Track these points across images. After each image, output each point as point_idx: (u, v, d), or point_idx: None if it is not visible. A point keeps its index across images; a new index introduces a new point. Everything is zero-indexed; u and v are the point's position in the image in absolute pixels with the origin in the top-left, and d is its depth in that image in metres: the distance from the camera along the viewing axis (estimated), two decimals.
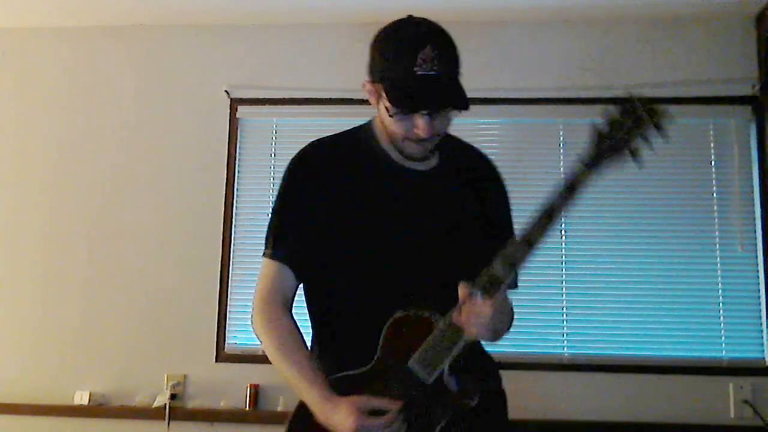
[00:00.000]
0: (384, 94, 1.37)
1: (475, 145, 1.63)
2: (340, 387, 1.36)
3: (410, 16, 1.44)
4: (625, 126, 1.44)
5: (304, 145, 1.57)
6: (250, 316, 1.51)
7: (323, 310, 1.51)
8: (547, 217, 1.30)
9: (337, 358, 1.44)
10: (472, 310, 1.29)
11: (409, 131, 1.40)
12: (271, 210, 1.56)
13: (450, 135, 1.56)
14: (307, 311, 1.54)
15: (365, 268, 1.44)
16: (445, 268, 1.41)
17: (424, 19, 1.44)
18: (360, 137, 1.54)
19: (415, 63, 1.33)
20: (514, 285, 1.46)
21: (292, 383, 1.41)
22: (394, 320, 1.37)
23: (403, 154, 1.46)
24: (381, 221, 1.45)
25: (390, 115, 1.38)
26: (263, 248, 1.52)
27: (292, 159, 1.56)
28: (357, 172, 1.49)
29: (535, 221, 1.30)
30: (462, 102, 1.36)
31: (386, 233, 1.44)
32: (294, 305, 1.51)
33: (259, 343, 1.49)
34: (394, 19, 1.46)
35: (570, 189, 1.31)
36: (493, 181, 1.58)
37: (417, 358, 1.34)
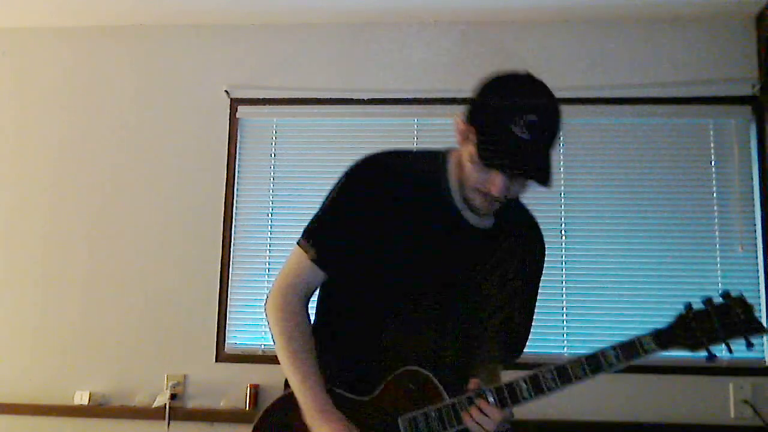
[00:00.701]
0: (473, 139, 1.33)
1: (530, 211, 1.59)
2: (332, 400, 1.38)
3: (529, 74, 1.38)
4: (715, 329, 1.40)
5: (372, 153, 1.52)
6: (265, 298, 1.50)
7: (337, 313, 1.51)
8: (593, 369, 1.39)
9: (331, 360, 1.45)
10: (481, 409, 1.31)
11: (483, 184, 1.35)
12: (323, 202, 1.50)
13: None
14: (316, 302, 1.54)
15: (394, 296, 1.44)
16: (467, 322, 1.44)
17: (542, 84, 1.38)
18: (432, 167, 1.47)
19: (516, 123, 1.28)
20: (516, 354, 1.53)
21: (290, 379, 1.42)
22: (405, 371, 1.37)
23: (467, 202, 1.42)
24: (423, 259, 1.44)
25: (470, 162, 1.34)
26: (300, 235, 1.47)
27: (361, 161, 1.51)
28: (417, 203, 1.45)
29: (578, 364, 1.38)
30: (545, 178, 1.31)
31: (424, 272, 1.44)
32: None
33: (266, 326, 1.49)
34: (514, 72, 1.38)
35: (628, 355, 1.38)
36: (538, 256, 1.55)
37: (408, 419, 1.35)
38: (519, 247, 1.51)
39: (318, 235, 1.46)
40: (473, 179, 1.36)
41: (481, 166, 1.32)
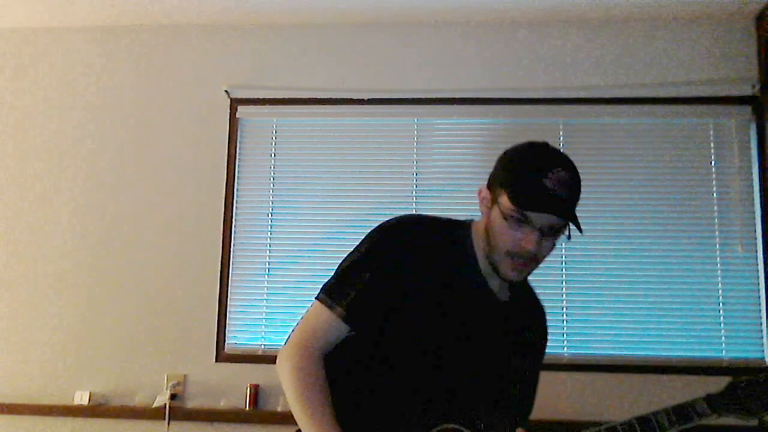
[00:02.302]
0: (504, 196, 1.36)
1: (532, 288, 1.62)
2: None
3: (546, 143, 1.43)
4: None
5: (395, 218, 1.50)
6: (282, 349, 1.47)
7: (362, 372, 1.45)
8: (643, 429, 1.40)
9: (350, 418, 1.40)
10: None
11: (516, 243, 1.36)
12: (345, 260, 1.46)
13: None
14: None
15: (415, 364, 1.41)
16: (488, 394, 1.46)
17: (560, 151, 1.43)
18: (459, 234, 1.49)
19: (545, 176, 1.33)
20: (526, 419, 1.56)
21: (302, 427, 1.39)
22: (445, 428, 1.36)
23: (498, 272, 1.42)
24: (450, 322, 1.43)
25: (505, 218, 1.36)
26: (321, 291, 1.44)
27: (390, 222, 1.48)
28: (445, 267, 1.44)
29: (630, 427, 1.42)
30: (577, 224, 1.36)
31: (447, 341, 1.42)
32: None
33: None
34: (531, 141, 1.45)
35: (681, 420, 1.38)
36: (545, 333, 1.61)
37: None
38: (535, 320, 1.58)
39: (347, 292, 1.41)
40: (506, 240, 1.38)
41: (513, 222, 1.36)
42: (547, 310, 1.62)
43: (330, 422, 1.34)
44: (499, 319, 1.48)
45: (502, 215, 1.36)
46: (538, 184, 1.33)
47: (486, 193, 1.43)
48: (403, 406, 1.40)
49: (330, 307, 1.40)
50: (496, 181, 1.40)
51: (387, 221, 1.48)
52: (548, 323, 1.61)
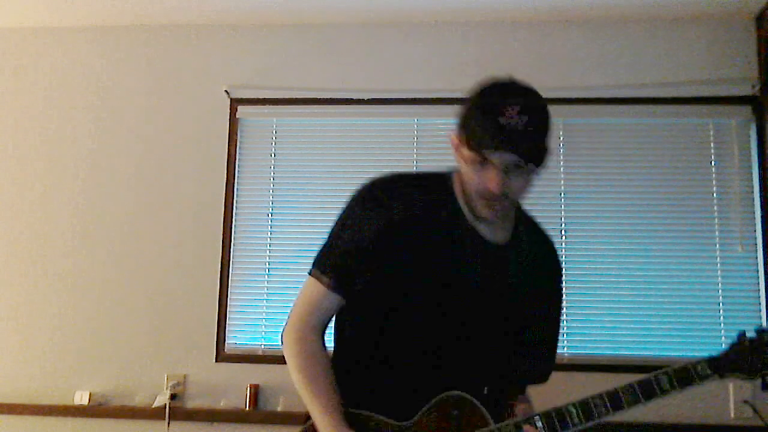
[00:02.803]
0: (463, 138, 1.32)
1: (542, 227, 1.57)
2: (364, 424, 1.35)
3: (511, 78, 1.37)
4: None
5: (377, 176, 1.49)
6: (281, 328, 1.48)
7: (361, 339, 1.47)
8: (646, 395, 1.38)
9: (361, 385, 1.42)
10: None
11: (482, 185, 1.32)
12: (330, 231, 1.48)
13: (524, 213, 1.53)
14: (334, 329, 1.52)
15: (421, 317, 1.41)
16: (493, 347, 1.43)
17: (524, 84, 1.37)
18: (440, 186, 1.46)
19: (501, 114, 1.26)
20: (544, 378, 1.55)
21: (308, 406, 1.39)
22: (448, 396, 1.34)
23: (474, 214, 1.40)
24: (443, 277, 1.41)
25: (467, 161, 1.33)
26: (311, 266, 1.46)
27: (365, 186, 1.48)
28: (429, 221, 1.42)
29: (630, 389, 1.36)
30: (537, 158, 1.30)
31: (445, 290, 1.41)
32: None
33: (281, 348, 1.47)
34: (497, 77, 1.38)
35: (682, 381, 1.35)
36: (556, 272, 1.57)
37: None
38: (543, 258, 1.51)
39: (331, 261, 1.43)
40: (473, 183, 1.34)
41: (476, 165, 1.31)
42: (556, 249, 1.57)
43: (328, 394, 1.37)
44: (495, 263, 1.43)
45: (464, 159, 1.34)
46: (492, 123, 1.26)
47: (455, 138, 1.38)
48: (403, 372, 1.39)
49: (319, 279, 1.43)
50: (458, 125, 1.36)
51: (363, 184, 1.48)
52: (562, 298, 1.56)
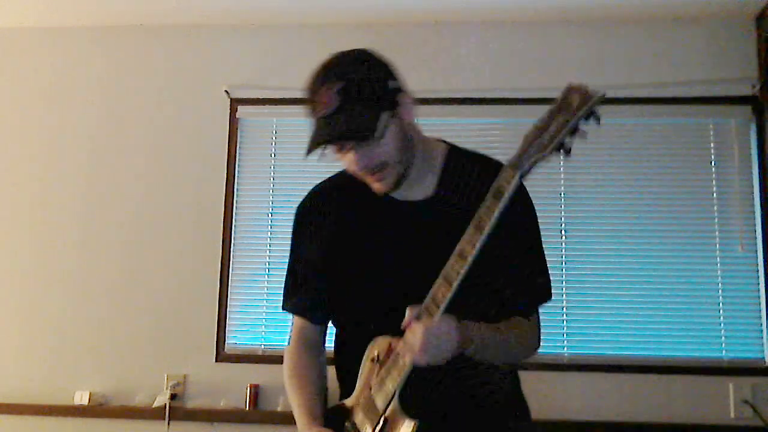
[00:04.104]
0: None
1: (496, 160, 1.45)
2: (334, 416, 1.43)
3: (326, 60, 1.43)
4: (551, 123, 1.30)
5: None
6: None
7: (338, 338, 1.55)
8: (476, 228, 1.20)
9: (342, 380, 1.50)
10: (409, 333, 1.24)
11: (350, 169, 1.39)
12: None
13: (460, 152, 1.48)
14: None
15: (358, 300, 1.46)
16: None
17: (337, 53, 1.43)
18: (344, 177, 1.48)
19: (315, 107, 1.33)
20: (537, 298, 1.44)
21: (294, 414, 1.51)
22: (370, 346, 1.38)
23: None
24: (369, 253, 1.44)
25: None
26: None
27: (297, 207, 1.58)
28: (347, 209, 1.49)
29: (465, 234, 1.21)
30: (352, 135, 1.31)
31: (375, 264, 1.43)
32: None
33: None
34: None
35: (497, 196, 1.20)
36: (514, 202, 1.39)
37: (377, 382, 1.33)
38: (471, 198, 1.35)
39: (286, 290, 1.56)
40: (349, 170, 1.40)
41: (332, 156, 1.39)
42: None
43: (304, 398, 1.48)
44: (412, 221, 1.41)
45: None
46: (313, 120, 1.34)
47: None
48: (360, 352, 1.42)
49: (284, 307, 1.57)
50: None
51: None
52: (547, 256, 1.44)
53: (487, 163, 1.45)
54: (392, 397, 1.29)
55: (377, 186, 1.39)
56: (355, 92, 1.32)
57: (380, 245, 1.43)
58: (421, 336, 1.21)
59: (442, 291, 1.21)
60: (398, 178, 1.37)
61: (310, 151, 1.35)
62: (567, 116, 1.29)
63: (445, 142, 1.52)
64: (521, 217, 1.40)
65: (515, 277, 1.40)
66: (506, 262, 1.37)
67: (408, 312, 1.25)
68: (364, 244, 1.45)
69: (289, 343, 1.58)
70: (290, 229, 1.58)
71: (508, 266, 1.38)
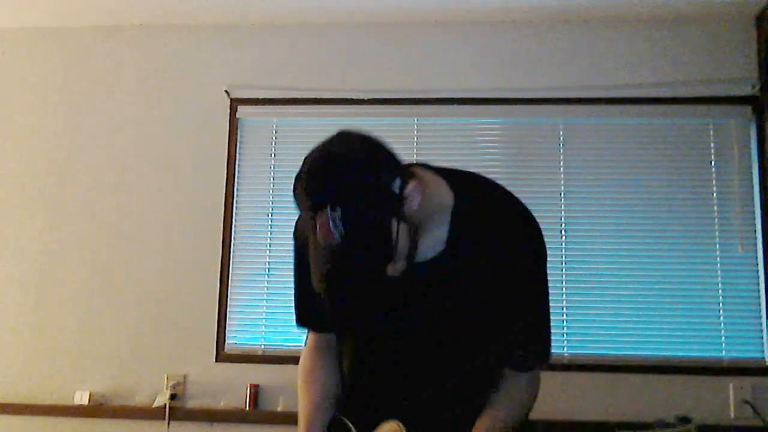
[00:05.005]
0: None
1: (503, 197, 1.38)
2: (338, 428, 1.42)
3: (320, 151, 1.26)
4: None
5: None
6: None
7: (345, 361, 1.51)
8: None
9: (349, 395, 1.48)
10: None
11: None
12: None
13: (466, 198, 1.33)
14: None
15: (361, 347, 1.44)
16: (437, 358, 1.36)
17: (323, 151, 1.25)
18: None
19: (316, 229, 1.17)
20: (536, 360, 1.38)
21: None
22: (396, 424, 1.32)
23: None
24: (367, 306, 1.38)
25: None
26: None
27: (294, 228, 1.52)
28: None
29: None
30: (366, 268, 1.20)
31: (373, 317, 1.38)
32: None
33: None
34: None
35: None
36: (516, 258, 1.32)
37: None
38: (491, 256, 1.31)
39: (295, 307, 1.53)
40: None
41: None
42: (544, 232, 1.35)
43: (309, 407, 1.45)
44: (420, 282, 1.30)
45: None
46: (313, 243, 1.20)
47: None
48: (364, 388, 1.42)
49: (297, 324, 1.53)
50: None
51: None
52: (534, 282, 1.35)
53: (496, 208, 1.36)
54: None
55: (389, 270, 1.25)
56: (358, 213, 1.15)
57: (385, 304, 1.36)
58: None
59: None
60: (408, 262, 1.25)
61: (322, 293, 1.22)
62: None
63: (449, 181, 1.36)
64: (526, 276, 1.34)
65: (519, 337, 1.35)
66: (510, 324, 1.33)
67: None
68: (367, 299, 1.36)
69: (305, 343, 1.56)
70: (290, 229, 1.56)
71: (512, 327, 1.33)
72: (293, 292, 1.53)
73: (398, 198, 1.19)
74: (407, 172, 1.24)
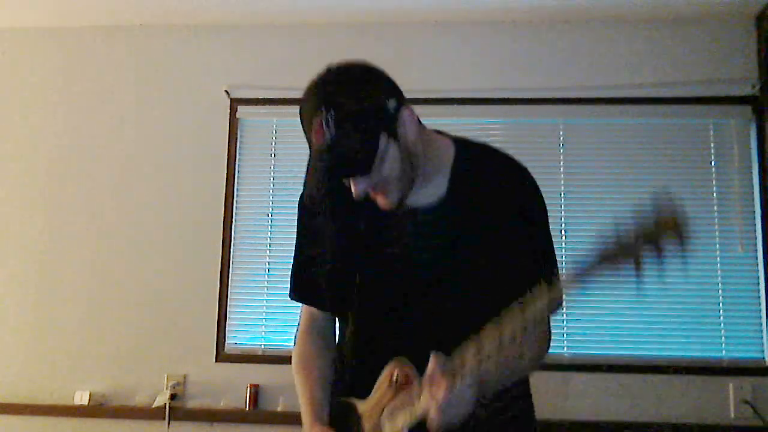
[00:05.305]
0: None
1: (504, 154, 1.44)
2: (341, 409, 1.41)
3: (328, 69, 1.35)
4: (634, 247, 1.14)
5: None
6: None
7: (342, 332, 1.54)
8: (520, 312, 1.20)
9: (345, 379, 1.47)
10: (431, 386, 1.18)
11: (355, 196, 1.31)
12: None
13: (468, 149, 1.42)
14: None
15: (369, 300, 1.43)
16: (441, 302, 1.36)
17: (329, 69, 1.35)
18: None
19: (312, 132, 1.25)
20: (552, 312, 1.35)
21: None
22: (393, 364, 1.33)
23: None
24: (372, 255, 1.41)
25: None
26: None
27: (299, 197, 1.52)
28: (357, 208, 1.40)
29: (509, 316, 1.18)
30: (351, 169, 1.25)
31: (379, 266, 1.41)
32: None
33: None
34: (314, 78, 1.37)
35: (552, 301, 1.23)
36: (518, 204, 1.38)
37: (388, 411, 1.31)
38: (491, 203, 1.35)
39: (292, 279, 1.54)
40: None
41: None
42: (516, 175, 1.40)
43: (310, 390, 1.46)
44: (421, 227, 1.36)
45: None
46: (310, 149, 1.26)
47: None
48: (369, 350, 1.42)
49: (291, 295, 1.55)
50: None
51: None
52: (540, 230, 1.39)
53: (497, 161, 1.42)
54: None
55: (381, 202, 1.34)
56: (348, 121, 1.24)
57: (391, 250, 1.40)
58: (442, 398, 1.17)
59: (473, 360, 1.16)
60: (401, 196, 1.33)
61: (309, 191, 1.30)
62: (653, 241, 1.13)
63: (451, 137, 1.46)
64: (532, 225, 1.38)
65: (527, 273, 1.33)
66: (518, 263, 1.34)
67: (432, 360, 1.19)
68: (374, 247, 1.41)
69: (298, 329, 1.55)
70: (290, 230, 1.57)
71: (520, 265, 1.35)
72: (293, 262, 1.54)
73: (390, 115, 1.27)
74: (405, 101, 1.32)
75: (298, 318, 1.57)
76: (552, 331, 1.45)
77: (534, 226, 1.39)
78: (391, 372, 1.33)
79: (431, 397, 1.18)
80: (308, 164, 1.27)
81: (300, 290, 1.53)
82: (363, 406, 1.38)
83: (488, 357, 1.15)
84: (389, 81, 1.34)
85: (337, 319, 1.55)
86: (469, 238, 1.34)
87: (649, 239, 1.12)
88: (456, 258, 1.33)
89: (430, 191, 1.36)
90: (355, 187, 1.29)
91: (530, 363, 1.38)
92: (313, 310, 1.54)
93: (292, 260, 1.55)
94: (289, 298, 1.56)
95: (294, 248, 1.54)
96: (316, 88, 1.30)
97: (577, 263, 1.19)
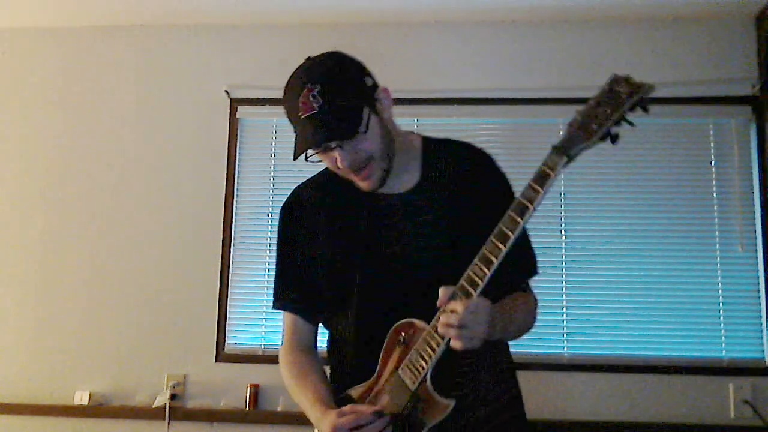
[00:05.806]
0: None
1: (464, 141, 1.57)
2: (347, 403, 1.40)
3: (303, 64, 1.48)
4: (603, 111, 1.36)
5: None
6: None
7: (331, 337, 1.56)
8: (521, 213, 1.24)
9: (345, 380, 1.48)
10: (446, 311, 1.24)
11: (336, 169, 1.42)
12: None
13: (433, 141, 1.55)
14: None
15: (355, 295, 1.46)
16: (435, 283, 1.36)
17: (309, 58, 1.48)
18: (329, 176, 1.53)
19: (298, 107, 1.36)
20: (531, 272, 1.48)
21: (301, 407, 1.48)
22: (393, 329, 1.38)
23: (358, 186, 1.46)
24: (368, 246, 1.45)
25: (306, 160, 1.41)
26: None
27: (280, 208, 1.61)
28: (338, 205, 1.51)
29: (509, 218, 1.25)
30: (338, 132, 1.35)
31: (374, 257, 1.45)
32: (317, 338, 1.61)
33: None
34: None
35: (541, 182, 1.27)
36: (484, 178, 1.50)
37: (405, 364, 1.34)
38: (463, 184, 1.47)
39: (276, 288, 1.60)
40: (332, 169, 1.44)
41: (317, 157, 1.43)
42: (480, 159, 1.52)
43: (312, 390, 1.47)
44: (399, 211, 1.46)
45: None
46: (297, 122, 1.37)
47: None
48: (361, 341, 1.44)
49: (275, 306, 1.60)
50: None
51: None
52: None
53: (460, 147, 1.54)
54: (424, 377, 1.30)
55: (364, 184, 1.43)
56: (335, 91, 1.35)
57: (377, 238, 1.45)
58: (461, 314, 1.21)
59: (481, 271, 1.23)
60: (383, 173, 1.43)
61: (298, 153, 1.37)
62: (615, 105, 1.35)
63: (414, 133, 1.57)
64: (503, 194, 1.48)
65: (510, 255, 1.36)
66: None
67: (442, 292, 1.26)
68: (361, 238, 1.46)
69: (282, 344, 1.58)
70: None
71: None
72: (275, 273, 1.60)
73: (369, 89, 1.41)
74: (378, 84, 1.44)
75: (281, 334, 1.59)
76: (537, 302, 1.51)
77: (505, 196, 1.48)
78: (393, 335, 1.36)
79: (450, 321, 1.22)
80: (295, 137, 1.37)
81: (283, 300, 1.57)
82: (360, 389, 1.41)
83: (494, 268, 1.22)
84: (363, 64, 1.46)
85: (327, 324, 1.57)
86: (446, 222, 1.43)
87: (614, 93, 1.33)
88: (436, 240, 1.42)
89: (405, 178, 1.48)
90: (343, 160, 1.37)
91: (522, 316, 1.44)
92: (295, 323, 1.57)
93: (275, 272, 1.61)
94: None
95: (275, 259, 1.61)
96: (300, 73, 1.43)
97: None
